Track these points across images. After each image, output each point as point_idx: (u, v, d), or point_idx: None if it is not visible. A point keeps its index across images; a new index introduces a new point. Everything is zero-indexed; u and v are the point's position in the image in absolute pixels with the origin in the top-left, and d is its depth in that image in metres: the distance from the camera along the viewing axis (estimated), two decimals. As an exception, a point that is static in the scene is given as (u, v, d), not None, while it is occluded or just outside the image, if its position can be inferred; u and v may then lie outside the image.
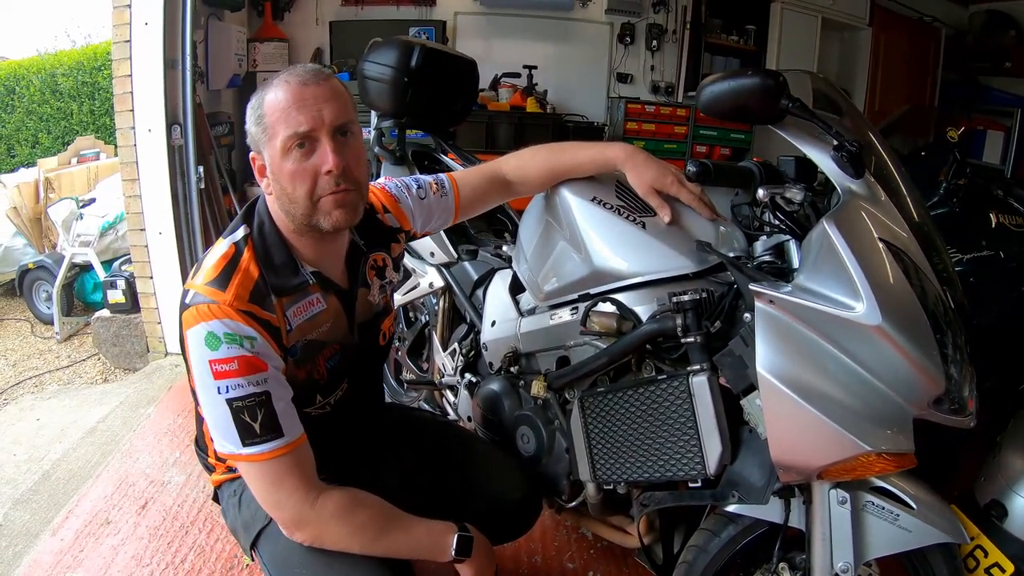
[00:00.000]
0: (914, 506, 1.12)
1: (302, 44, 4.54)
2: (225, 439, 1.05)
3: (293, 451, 1.07)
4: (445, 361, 1.98)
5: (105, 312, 3.53)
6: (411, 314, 2.40)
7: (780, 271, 1.22)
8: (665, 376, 1.27)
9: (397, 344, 2.39)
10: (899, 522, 1.12)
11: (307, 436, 1.12)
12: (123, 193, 3.19)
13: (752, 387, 1.13)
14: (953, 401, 1.07)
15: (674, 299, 1.21)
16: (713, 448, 1.21)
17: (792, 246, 1.22)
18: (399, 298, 2.19)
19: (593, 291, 1.41)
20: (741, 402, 1.18)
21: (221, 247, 1.12)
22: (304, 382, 1.19)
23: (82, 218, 4.13)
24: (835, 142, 1.12)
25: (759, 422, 1.14)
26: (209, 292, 1.05)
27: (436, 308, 2.09)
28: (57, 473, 2.38)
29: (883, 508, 1.13)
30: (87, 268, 4.12)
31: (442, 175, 1.47)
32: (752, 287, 1.10)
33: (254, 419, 1.03)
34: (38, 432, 2.80)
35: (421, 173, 1.61)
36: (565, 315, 1.47)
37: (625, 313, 1.33)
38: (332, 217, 1.10)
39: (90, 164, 4.98)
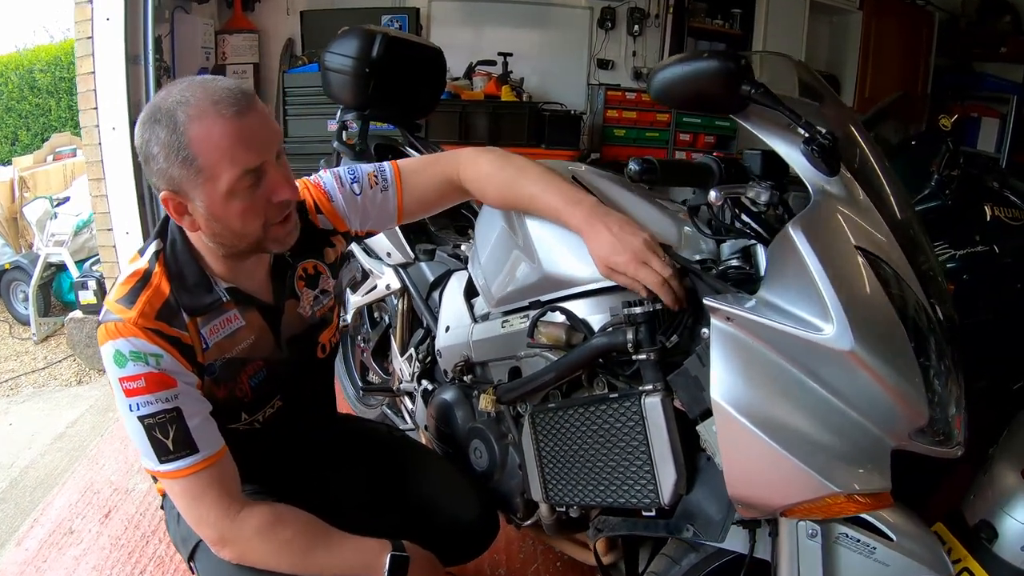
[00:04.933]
0: (893, 537, 1.00)
1: (272, 35, 4.39)
2: (144, 455, 1.04)
3: (210, 467, 1.04)
4: (403, 366, 1.89)
5: (78, 313, 3.49)
6: (376, 314, 2.31)
7: (749, 278, 1.10)
8: (617, 395, 1.16)
9: (363, 345, 2.33)
10: (876, 556, 1.01)
11: (239, 450, 1.10)
12: (89, 193, 3.17)
13: (710, 411, 1.01)
14: (937, 432, 0.96)
15: (625, 311, 1.11)
16: (667, 476, 1.10)
17: (760, 250, 1.10)
18: (358, 299, 2.12)
19: (544, 298, 1.30)
20: (697, 428, 1.06)
21: (135, 263, 1.09)
22: (225, 400, 1.14)
23: (56, 217, 4.13)
24: (805, 134, 0.99)
25: (716, 451, 1.03)
26: (117, 309, 1.03)
27: (397, 310, 2.02)
28: (25, 480, 2.39)
29: (858, 541, 1.01)
30: (64, 267, 4.08)
31: (385, 165, 1.30)
32: (707, 301, 0.98)
33: (166, 436, 1.02)
34: (9, 437, 2.79)
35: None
36: (516, 323, 1.36)
37: (575, 324, 1.23)
38: (282, 242, 1.09)
39: (66, 161, 4.96)
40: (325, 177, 1.27)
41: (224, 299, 1.10)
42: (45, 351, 3.90)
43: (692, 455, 1.11)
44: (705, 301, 0.99)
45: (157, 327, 1.03)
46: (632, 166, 1.07)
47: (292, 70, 4.17)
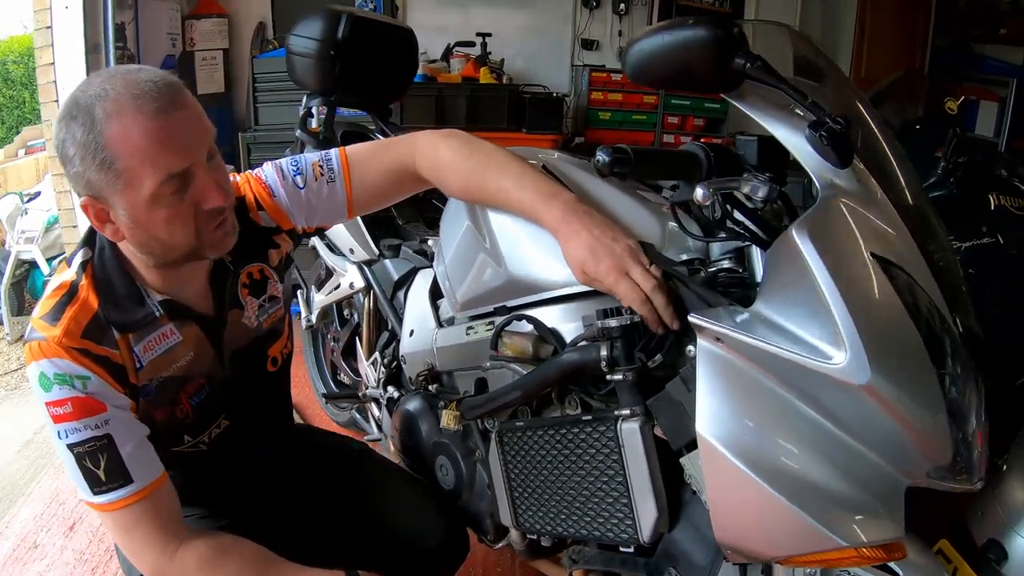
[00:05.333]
0: (899, 572, 0.89)
1: (243, 18, 4.17)
2: (77, 486, 0.97)
3: (145, 498, 0.97)
4: (368, 371, 1.78)
5: (48, 312, 3.39)
6: (345, 311, 2.19)
7: (743, 282, 0.97)
8: (591, 417, 1.03)
9: (333, 345, 2.22)
10: None
11: (183, 474, 1.07)
12: (54, 188, 3.08)
13: (696, 442, 0.88)
14: (960, 470, 0.82)
15: (600, 323, 0.97)
16: (647, 510, 0.97)
17: (756, 252, 0.95)
18: (322, 298, 2.01)
19: (511, 303, 1.17)
20: (681, 460, 0.94)
21: (62, 274, 1.00)
22: (165, 422, 1.06)
23: (27, 213, 4.00)
24: (812, 117, 0.84)
25: (702, 488, 0.89)
26: (41, 327, 0.95)
27: (363, 309, 1.88)
28: (-8, 492, 2.33)
29: (860, 578, 0.91)
30: (37, 265, 3.97)
31: (332, 153, 1.17)
32: (692, 319, 0.83)
33: (96, 466, 0.95)
34: (-21, 444, 2.75)
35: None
36: (481, 330, 1.23)
37: (544, 334, 1.09)
38: (219, 248, 1.01)
39: (38, 155, 4.84)
40: (267, 170, 1.15)
41: (157, 313, 1.01)
42: (19, 351, 3.82)
43: (676, 488, 0.98)
44: (691, 319, 0.85)
45: (84, 346, 0.95)
46: (601, 157, 0.87)
47: (263, 55, 4.02)
